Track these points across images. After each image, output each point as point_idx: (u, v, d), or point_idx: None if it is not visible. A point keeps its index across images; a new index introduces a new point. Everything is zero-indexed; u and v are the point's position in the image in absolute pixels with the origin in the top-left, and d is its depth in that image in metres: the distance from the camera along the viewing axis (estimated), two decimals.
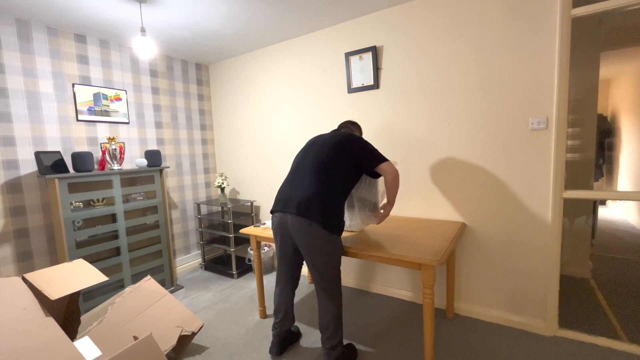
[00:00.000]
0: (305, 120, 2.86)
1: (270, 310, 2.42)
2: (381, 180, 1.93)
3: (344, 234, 1.99)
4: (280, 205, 1.71)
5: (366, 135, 2.53)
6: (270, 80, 3.07)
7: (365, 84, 2.47)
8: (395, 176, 1.69)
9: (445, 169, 2.21)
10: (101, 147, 2.64)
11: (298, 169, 1.74)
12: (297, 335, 2.03)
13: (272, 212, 1.77)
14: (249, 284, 2.92)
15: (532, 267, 1.98)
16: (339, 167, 1.64)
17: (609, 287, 2.48)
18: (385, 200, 1.91)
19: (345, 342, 1.97)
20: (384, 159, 1.68)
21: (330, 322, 1.69)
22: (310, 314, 2.33)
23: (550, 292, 1.93)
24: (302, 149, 1.84)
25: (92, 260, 2.40)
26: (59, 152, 2.31)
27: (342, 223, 1.68)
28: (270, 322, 2.26)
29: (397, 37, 2.30)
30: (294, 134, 2.96)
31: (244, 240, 3.20)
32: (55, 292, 1.42)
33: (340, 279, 1.73)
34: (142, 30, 2.07)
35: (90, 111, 2.58)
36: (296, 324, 2.22)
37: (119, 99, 2.76)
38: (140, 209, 2.79)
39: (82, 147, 2.55)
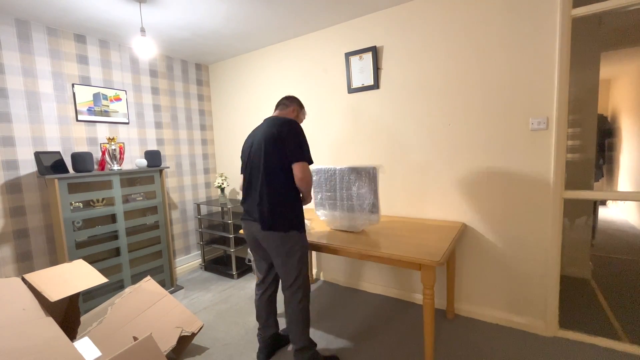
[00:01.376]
0: (305, 120, 2.86)
1: None
2: (381, 179, 1.93)
3: (345, 235, 1.99)
4: (245, 213, 1.74)
5: (366, 135, 2.53)
6: (270, 81, 3.06)
7: (365, 84, 2.47)
8: (301, 179, 1.60)
9: (445, 168, 2.21)
10: (101, 148, 2.64)
11: (248, 172, 1.72)
12: (286, 339, 1.97)
13: (241, 218, 1.79)
14: (249, 284, 2.92)
15: (532, 267, 1.98)
16: (279, 163, 1.59)
17: (609, 287, 2.47)
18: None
19: (339, 347, 1.94)
20: (299, 159, 1.59)
21: (291, 324, 1.68)
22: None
23: (550, 292, 1.93)
24: (245, 147, 1.78)
25: (92, 260, 2.40)
26: (58, 153, 2.30)
27: (298, 218, 1.65)
28: None
29: (397, 37, 2.30)
30: None
31: (243, 241, 3.19)
32: (55, 293, 1.42)
33: (305, 279, 1.69)
34: (142, 30, 2.07)
35: (90, 111, 2.58)
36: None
37: (118, 99, 2.76)
38: (140, 210, 2.79)
39: (82, 148, 2.55)
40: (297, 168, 1.59)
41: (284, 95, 1.84)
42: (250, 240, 1.77)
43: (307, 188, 1.67)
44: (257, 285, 1.88)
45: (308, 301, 1.71)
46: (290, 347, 1.73)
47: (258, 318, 1.87)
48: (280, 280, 1.72)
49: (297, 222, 1.65)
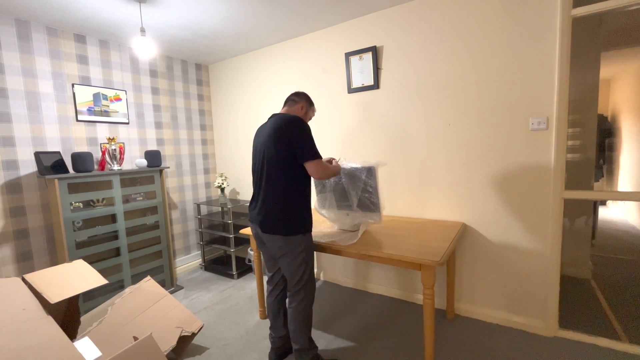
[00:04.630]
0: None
1: None
2: (381, 179, 1.92)
3: (345, 234, 1.98)
4: (250, 215, 1.74)
5: (366, 136, 2.53)
6: (270, 81, 3.06)
7: (365, 84, 2.47)
8: (320, 175, 1.60)
9: (445, 169, 2.21)
10: (101, 148, 2.64)
11: (254, 172, 1.71)
12: None
13: (249, 219, 1.79)
14: (249, 284, 2.92)
15: (532, 267, 1.98)
16: (284, 163, 1.55)
17: (609, 287, 2.47)
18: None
19: (339, 347, 1.93)
20: (312, 157, 1.55)
21: (291, 323, 1.68)
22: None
23: (550, 292, 1.93)
24: (253, 146, 1.77)
25: (92, 260, 2.40)
26: (58, 153, 2.30)
27: (303, 220, 1.61)
28: None
29: (397, 37, 2.30)
30: None
31: (244, 241, 3.20)
32: (55, 295, 1.42)
33: (309, 281, 1.67)
34: (142, 30, 2.07)
35: (90, 111, 2.58)
36: None
37: (118, 99, 2.76)
38: (140, 210, 2.78)
39: (82, 148, 2.55)
40: (310, 167, 1.56)
41: (293, 92, 1.79)
42: (257, 241, 1.77)
43: (328, 178, 1.72)
44: (267, 282, 1.89)
45: (310, 302, 1.68)
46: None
47: (268, 316, 1.88)
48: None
49: (301, 225, 1.60)
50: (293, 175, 1.58)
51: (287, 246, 1.59)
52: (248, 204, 1.73)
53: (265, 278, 2.97)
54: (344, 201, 2.00)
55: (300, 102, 1.76)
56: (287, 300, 1.69)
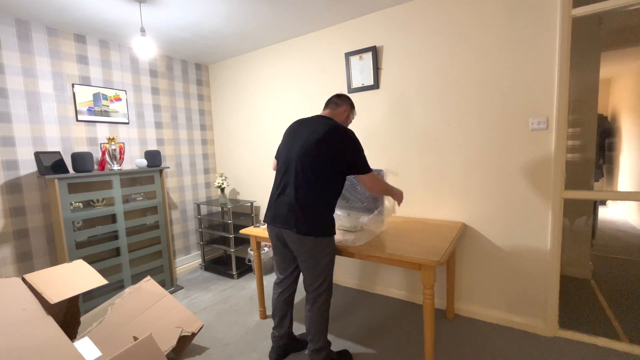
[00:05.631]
0: None
1: (270, 310, 2.41)
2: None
3: (345, 235, 1.98)
4: (270, 217, 1.70)
5: (365, 136, 2.53)
6: (270, 80, 3.06)
7: (365, 84, 2.47)
8: (372, 188, 1.68)
9: (445, 169, 2.21)
10: (101, 148, 2.64)
11: (283, 169, 1.66)
12: (302, 344, 1.93)
13: (264, 221, 1.76)
14: (249, 284, 2.92)
15: (532, 267, 1.98)
16: (326, 170, 1.56)
17: (609, 287, 2.47)
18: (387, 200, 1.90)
19: (339, 348, 1.93)
20: (368, 170, 1.63)
21: (311, 325, 1.68)
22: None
23: (550, 292, 1.93)
24: (285, 141, 1.71)
25: (92, 260, 2.40)
26: (58, 153, 2.31)
27: (330, 223, 1.63)
28: (270, 322, 2.26)
29: (397, 37, 2.30)
30: None
31: (244, 241, 3.19)
32: (55, 295, 1.42)
33: (330, 283, 1.68)
34: (142, 30, 2.07)
35: (90, 111, 2.58)
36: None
37: (118, 99, 2.76)
38: (140, 210, 2.78)
39: (82, 148, 2.55)
40: (366, 180, 1.63)
41: (335, 94, 1.79)
42: (276, 242, 1.75)
43: (381, 192, 1.75)
44: (276, 284, 1.87)
45: (329, 304, 1.71)
46: (307, 351, 1.74)
47: (274, 316, 1.87)
48: (303, 281, 1.71)
49: (330, 227, 1.63)
50: (333, 184, 1.60)
51: (316, 247, 1.59)
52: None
53: (266, 278, 2.99)
54: (345, 200, 2.00)
55: (343, 106, 1.76)
56: (308, 302, 1.69)
